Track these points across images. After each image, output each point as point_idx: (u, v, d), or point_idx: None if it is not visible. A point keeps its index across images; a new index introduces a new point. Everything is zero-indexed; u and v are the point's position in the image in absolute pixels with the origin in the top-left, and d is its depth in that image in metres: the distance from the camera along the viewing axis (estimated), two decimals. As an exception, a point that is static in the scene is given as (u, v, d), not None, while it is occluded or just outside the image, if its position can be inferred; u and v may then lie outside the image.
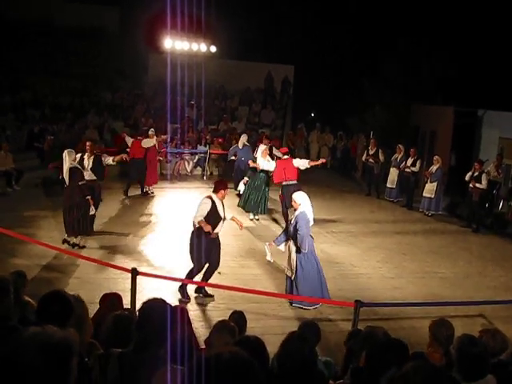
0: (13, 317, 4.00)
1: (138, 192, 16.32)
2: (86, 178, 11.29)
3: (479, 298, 9.39)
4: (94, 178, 11.88)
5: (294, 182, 13.01)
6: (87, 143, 12.18)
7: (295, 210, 8.76)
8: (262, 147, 14.38)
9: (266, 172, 13.87)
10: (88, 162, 11.88)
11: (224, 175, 19.69)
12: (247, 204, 14.13)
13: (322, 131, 23.92)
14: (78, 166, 10.90)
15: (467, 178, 14.83)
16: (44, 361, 1.81)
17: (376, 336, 4.51)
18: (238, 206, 14.27)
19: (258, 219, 14.11)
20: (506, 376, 4.10)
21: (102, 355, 3.63)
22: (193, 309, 7.38)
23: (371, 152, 18.56)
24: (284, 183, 13.06)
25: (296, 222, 8.54)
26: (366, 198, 18.16)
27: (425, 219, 15.85)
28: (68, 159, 10.64)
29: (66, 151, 10.80)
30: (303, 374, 3.67)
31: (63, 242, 10.80)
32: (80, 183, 10.75)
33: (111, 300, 5.61)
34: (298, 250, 8.50)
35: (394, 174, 17.79)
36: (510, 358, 4.81)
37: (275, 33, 25.82)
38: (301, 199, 8.75)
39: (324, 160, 13.78)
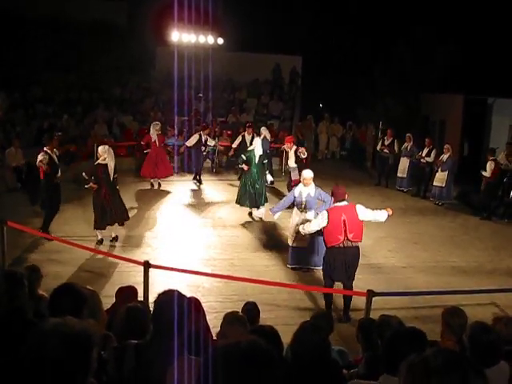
0: (28, 311, 4.04)
1: (149, 186, 16.41)
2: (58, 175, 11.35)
3: (491, 286, 9.37)
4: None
5: None
6: (53, 140, 11.49)
7: (306, 185, 9.74)
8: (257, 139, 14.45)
9: (262, 163, 13.44)
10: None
11: (228, 167, 19.71)
12: (250, 200, 13.27)
13: (331, 122, 23.87)
14: None
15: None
16: (65, 351, 1.84)
17: (391, 324, 4.53)
18: (242, 205, 13.48)
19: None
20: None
21: (118, 347, 3.66)
22: (205, 300, 7.40)
23: (387, 142, 18.47)
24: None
25: (320, 195, 9.74)
26: (376, 187, 18.11)
27: (435, 208, 15.80)
28: (112, 156, 10.66)
29: (107, 148, 10.73)
30: (317, 363, 3.69)
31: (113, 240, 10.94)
32: (115, 176, 10.87)
33: (127, 293, 5.66)
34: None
35: (404, 163, 17.71)
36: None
37: (283, 23, 25.67)
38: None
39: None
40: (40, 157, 10.91)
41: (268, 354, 1.70)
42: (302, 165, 13.37)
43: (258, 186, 13.19)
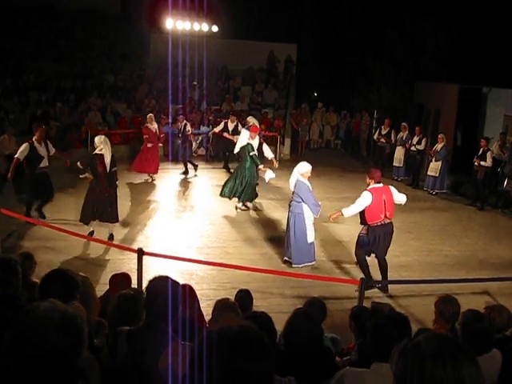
0: (22, 298, 4.03)
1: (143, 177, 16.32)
2: (42, 165, 11.02)
3: (484, 275, 9.41)
4: (47, 164, 11.30)
5: None
6: (39, 129, 11.24)
7: (306, 178, 9.60)
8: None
9: (250, 156, 12.98)
10: (42, 149, 11.18)
11: (216, 155, 19.65)
12: (243, 194, 13.00)
13: (326, 110, 23.84)
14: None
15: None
16: (61, 335, 1.84)
17: (382, 311, 4.54)
18: (228, 197, 13.16)
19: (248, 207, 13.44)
20: (511, 351, 4.12)
21: (110, 334, 3.66)
22: (199, 288, 7.41)
23: (384, 132, 18.50)
24: None
25: None
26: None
27: (429, 198, 15.84)
28: (108, 146, 10.38)
29: (103, 138, 10.40)
30: (310, 350, 3.70)
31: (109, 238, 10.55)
32: (113, 169, 10.53)
33: (120, 280, 5.66)
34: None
35: (400, 152, 17.77)
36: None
37: (278, 11, 25.54)
38: None
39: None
40: (19, 150, 10.79)
41: (259, 338, 1.70)
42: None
43: (244, 181, 12.91)
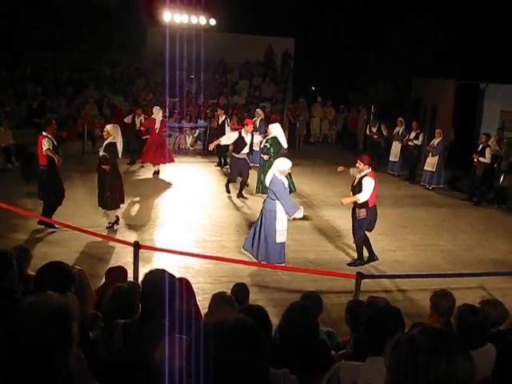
0: (17, 291, 4.03)
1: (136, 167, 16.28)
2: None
3: (480, 270, 9.43)
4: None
5: None
6: (52, 125, 10.44)
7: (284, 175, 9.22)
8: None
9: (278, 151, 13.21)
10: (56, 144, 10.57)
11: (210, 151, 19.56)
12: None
13: (324, 105, 23.82)
14: None
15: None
16: (42, 329, 1.79)
17: (377, 305, 4.55)
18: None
19: None
20: (505, 345, 4.13)
21: (106, 327, 3.66)
22: (195, 282, 7.41)
23: (374, 130, 18.66)
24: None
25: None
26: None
27: (426, 193, 15.86)
28: (120, 134, 10.51)
29: (116, 127, 10.57)
30: (305, 343, 3.71)
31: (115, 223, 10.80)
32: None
33: (116, 273, 5.65)
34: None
35: (396, 147, 17.80)
36: (509, 328, 4.87)
37: (275, 5, 25.48)
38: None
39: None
40: (46, 144, 10.03)
41: (255, 331, 1.70)
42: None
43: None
